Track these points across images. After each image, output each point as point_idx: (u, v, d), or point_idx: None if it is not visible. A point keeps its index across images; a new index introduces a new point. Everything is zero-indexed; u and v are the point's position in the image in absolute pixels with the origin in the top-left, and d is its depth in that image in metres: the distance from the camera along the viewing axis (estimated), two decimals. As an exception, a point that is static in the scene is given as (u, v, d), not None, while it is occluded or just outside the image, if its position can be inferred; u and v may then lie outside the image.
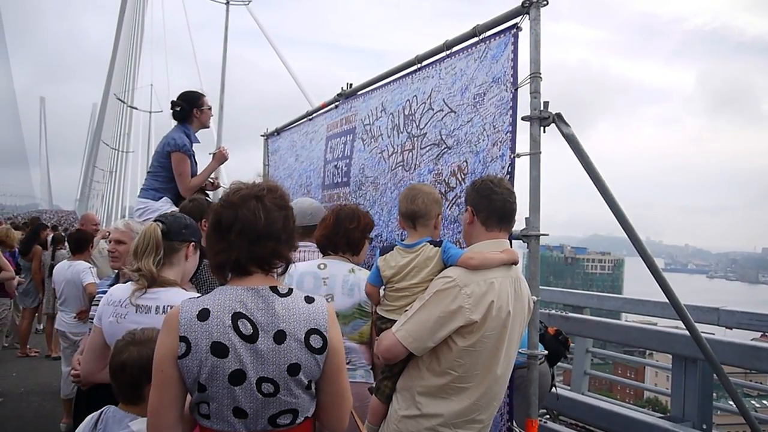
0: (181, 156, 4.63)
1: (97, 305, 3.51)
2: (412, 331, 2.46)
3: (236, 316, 1.75)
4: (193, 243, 2.85)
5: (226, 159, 5.10)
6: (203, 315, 1.75)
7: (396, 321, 2.57)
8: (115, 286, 2.85)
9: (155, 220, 2.81)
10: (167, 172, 4.69)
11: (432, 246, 2.62)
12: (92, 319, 3.51)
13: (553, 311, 5.56)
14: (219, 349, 1.72)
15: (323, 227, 3.35)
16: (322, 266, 3.23)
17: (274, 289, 1.83)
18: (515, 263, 2.60)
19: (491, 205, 2.62)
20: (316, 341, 1.80)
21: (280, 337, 1.76)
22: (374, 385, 2.78)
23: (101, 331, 2.69)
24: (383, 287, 2.77)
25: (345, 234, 3.28)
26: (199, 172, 4.91)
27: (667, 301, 3.46)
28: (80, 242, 6.40)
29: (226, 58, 22.63)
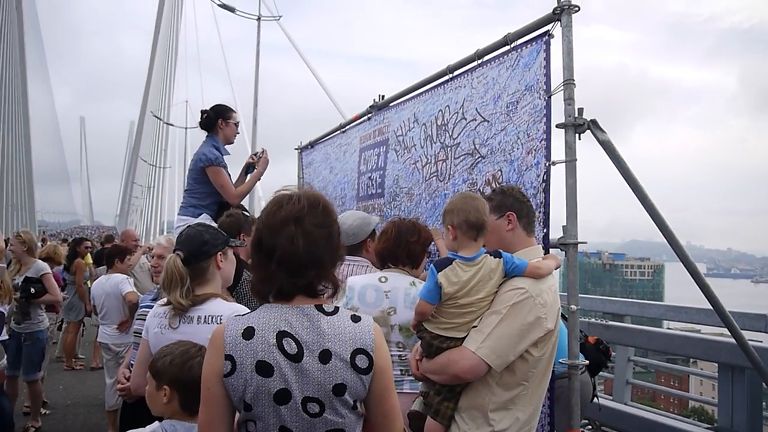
0: (216, 169, 4.68)
1: (141, 319, 3.59)
2: (495, 347, 2.36)
3: (281, 335, 1.72)
4: (219, 252, 2.81)
5: (268, 163, 5.12)
6: (248, 333, 1.72)
7: (454, 338, 2.46)
8: (161, 300, 2.87)
9: (175, 250, 2.79)
10: (203, 187, 4.74)
11: (492, 257, 2.49)
12: (136, 332, 3.58)
13: (593, 320, 5.47)
14: (264, 368, 1.69)
15: (384, 240, 3.31)
16: (383, 279, 3.19)
17: (319, 308, 1.78)
18: (558, 268, 2.63)
19: (531, 212, 2.62)
20: (362, 361, 1.74)
21: (325, 356, 1.72)
22: (429, 408, 2.57)
23: (148, 344, 2.73)
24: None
25: (406, 247, 3.23)
26: (236, 179, 4.98)
27: (711, 307, 3.38)
28: (113, 256, 6.49)
29: (259, 73, 22.99)
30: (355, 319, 1.80)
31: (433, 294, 2.49)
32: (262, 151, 5.15)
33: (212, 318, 2.61)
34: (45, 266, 6.41)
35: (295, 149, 7.42)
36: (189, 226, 3.00)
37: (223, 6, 24.73)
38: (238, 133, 5.13)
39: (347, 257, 3.62)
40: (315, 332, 1.73)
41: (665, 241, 3.29)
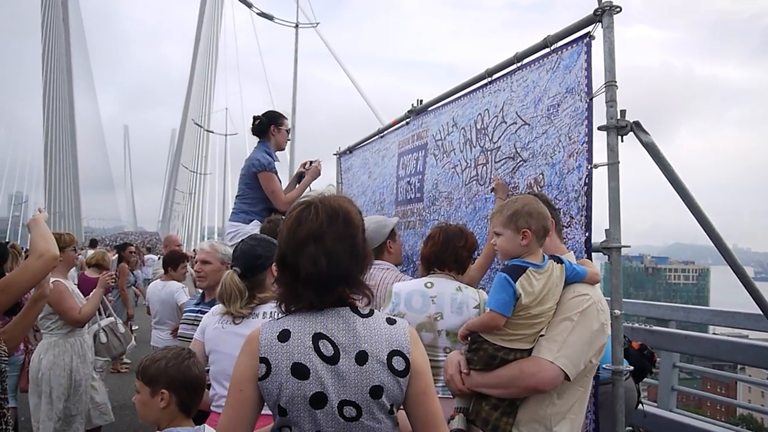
0: (268, 175, 4.72)
1: (185, 323, 3.67)
2: (571, 356, 2.30)
3: (317, 337, 1.70)
4: (273, 262, 2.88)
5: (319, 173, 5.16)
6: (284, 336, 1.71)
7: (521, 350, 2.36)
8: (216, 306, 2.99)
9: (231, 266, 2.94)
10: (255, 192, 4.78)
11: (555, 263, 2.41)
12: (181, 336, 3.66)
13: (636, 324, 5.37)
14: (299, 371, 1.67)
15: (431, 244, 3.30)
16: (428, 285, 3.18)
17: (354, 310, 1.77)
18: None
19: (558, 216, 2.61)
20: (398, 363, 1.71)
21: (361, 358, 1.69)
22: (486, 425, 2.42)
23: (203, 345, 2.87)
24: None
25: (453, 252, 3.23)
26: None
27: (760, 312, 3.29)
28: (173, 262, 6.57)
29: (297, 80, 23.24)
30: (391, 321, 1.78)
31: (508, 306, 2.34)
32: (313, 162, 5.21)
33: (273, 314, 2.71)
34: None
35: (334, 155, 7.48)
36: (242, 241, 3.09)
37: (262, 14, 25.09)
38: (289, 139, 5.18)
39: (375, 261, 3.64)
40: (351, 334, 1.71)
41: (710, 243, 3.21)
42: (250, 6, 25.26)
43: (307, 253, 1.69)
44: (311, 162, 5.20)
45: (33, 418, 4.69)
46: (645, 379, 7.07)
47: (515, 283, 2.31)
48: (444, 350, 3.05)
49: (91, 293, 5.04)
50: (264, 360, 1.70)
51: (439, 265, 3.26)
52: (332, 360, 1.69)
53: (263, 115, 4.92)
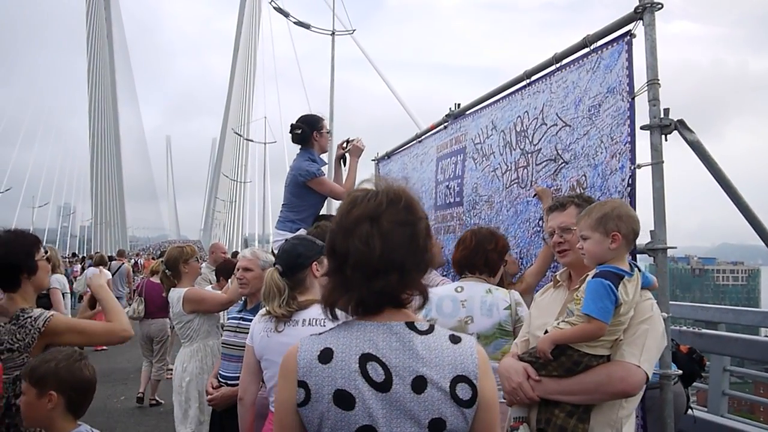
0: (319, 180, 4.71)
1: (227, 330, 3.73)
2: (651, 360, 2.31)
3: (365, 358, 1.45)
4: (314, 261, 2.93)
5: (362, 150, 5.07)
6: (325, 356, 1.47)
7: (602, 356, 2.29)
8: (263, 310, 3.02)
9: (274, 264, 2.98)
10: (301, 200, 4.78)
11: (636, 270, 2.36)
12: (224, 344, 3.72)
13: (684, 327, 5.24)
14: (344, 399, 1.43)
15: (462, 248, 3.34)
16: (459, 289, 3.23)
17: (411, 325, 1.49)
18: None
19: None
20: (464, 392, 1.45)
21: (419, 384, 1.43)
22: (563, 431, 2.31)
23: (253, 350, 2.90)
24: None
25: (484, 255, 3.26)
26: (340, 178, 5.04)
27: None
28: (226, 272, 6.57)
29: (334, 86, 23.43)
30: (455, 339, 1.51)
31: (610, 313, 2.25)
32: (352, 140, 5.05)
33: (316, 321, 2.72)
34: (55, 280, 6.77)
35: (372, 160, 7.50)
36: (286, 240, 3.16)
37: (299, 23, 25.37)
38: (330, 140, 5.15)
39: None
40: (407, 354, 1.45)
41: (761, 243, 3.12)
42: (287, 15, 25.57)
43: (359, 233, 1.47)
44: (348, 141, 5.10)
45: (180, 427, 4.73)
46: (694, 384, 6.90)
47: (617, 290, 2.24)
48: None
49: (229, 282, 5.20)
50: (302, 384, 1.47)
51: (470, 268, 3.29)
52: (383, 387, 1.44)
53: (301, 122, 4.87)
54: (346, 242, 1.49)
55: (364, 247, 1.46)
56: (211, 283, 6.83)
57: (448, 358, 1.46)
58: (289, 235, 4.56)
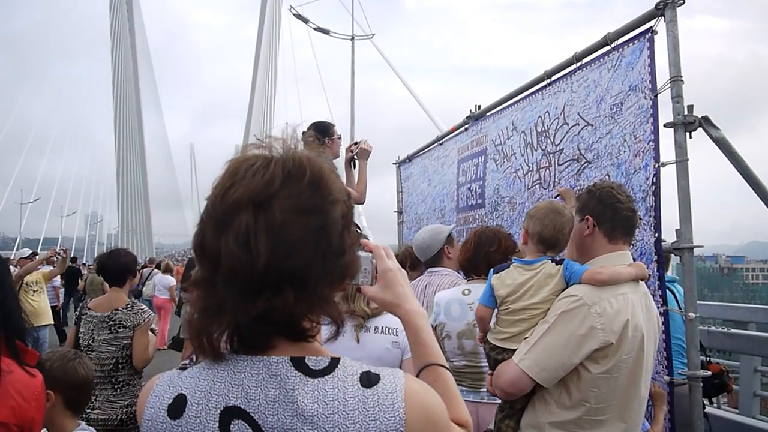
0: None
1: None
2: (539, 359, 2.17)
3: (229, 414, 0.98)
4: None
5: (370, 151, 5.06)
6: (176, 408, 1.01)
7: (511, 350, 2.31)
8: None
9: None
10: None
11: (553, 263, 2.35)
12: None
13: (713, 327, 5.14)
14: None
15: (465, 251, 3.31)
16: (466, 292, 3.20)
17: (299, 364, 0.99)
18: (644, 279, 2.34)
19: (617, 215, 2.34)
20: None
21: None
22: (498, 428, 2.41)
23: None
24: (496, 311, 2.50)
25: (485, 257, 3.18)
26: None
27: None
28: None
29: (355, 91, 23.51)
30: (370, 380, 1.00)
31: (487, 296, 2.44)
32: (359, 143, 5.07)
33: (389, 329, 2.66)
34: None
35: (393, 164, 7.51)
36: None
37: (319, 29, 25.51)
38: (341, 144, 5.16)
39: (430, 268, 3.64)
40: (287, 409, 0.96)
41: None
42: (306, 22, 25.73)
43: (236, 226, 0.96)
44: (356, 143, 5.11)
45: None
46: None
47: (493, 275, 2.43)
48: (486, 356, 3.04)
49: None
50: None
51: (474, 271, 3.26)
52: None
53: (313, 129, 4.93)
54: (218, 241, 0.98)
55: (241, 249, 0.95)
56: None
57: (352, 415, 0.96)
58: None
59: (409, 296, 1.24)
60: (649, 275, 3.07)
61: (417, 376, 1.14)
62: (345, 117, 24.49)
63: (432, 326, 3.18)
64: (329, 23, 26.63)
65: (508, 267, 2.45)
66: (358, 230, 3.72)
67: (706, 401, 3.74)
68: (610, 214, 2.35)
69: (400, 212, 7.34)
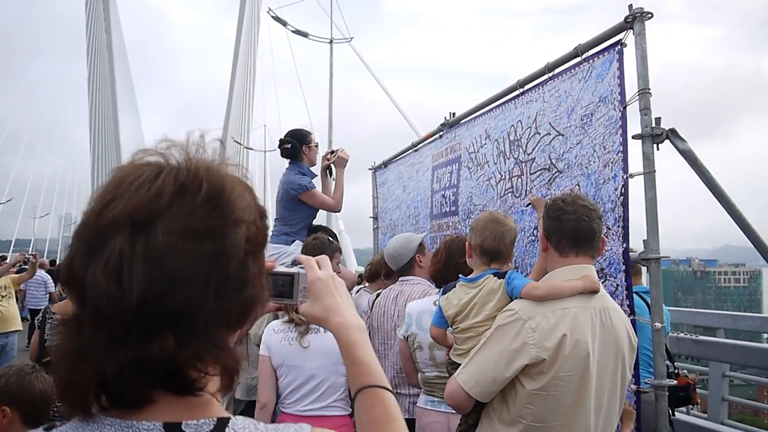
0: (311, 193, 4.76)
1: None
2: (474, 373, 2.16)
3: None
4: None
5: (347, 160, 5.09)
6: None
7: (457, 364, 2.33)
8: (273, 322, 3.30)
9: None
10: (294, 214, 4.82)
11: (496, 278, 2.36)
12: None
13: (682, 334, 5.21)
14: None
15: (435, 262, 3.30)
16: (437, 302, 3.19)
17: (171, 428, 0.79)
18: (595, 291, 2.22)
19: (562, 227, 2.29)
20: None
21: None
22: None
23: (269, 360, 3.14)
24: (450, 329, 2.50)
25: (456, 268, 3.09)
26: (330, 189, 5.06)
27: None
28: None
29: (333, 94, 23.44)
30: None
31: (437, 317, 2.48)
32: (336, 151, 5.10)
33: None
34: None
35: (369, 169, 7.50)
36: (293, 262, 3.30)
37: (297, 32, 25.40)
38: (318, 152, 5.18)
39: (401, 277, 3.65)
40: None
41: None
42: (284, 24, 25.60)
43: (107, 252, 0.76)
44: (333, 152, 5.15)
45: None
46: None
47: (441, 297, 2.47)
48: None
49: None
50: None
51: (446, 282, 3.21)
52: None
53: (290, 136, 4.94)
54: (86, 270, 0.77)
55: (110, 282, 0.76)
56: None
57: None
58: (286, 248, 4.58)
59: (341, 307, 1.12)
60: (618, 285, 3.13)
61: (353, 401, 1.07)
62: (325, 120, 24.37)
63: (403, 337, 3.19)
64: (309, 25, 26.56)
65: (453, 285, 2.48)
66: (330, 239, 3.77)
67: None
68: (556, 227, 2.31)
69: (375, 218, 7.33)
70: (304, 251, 3.89)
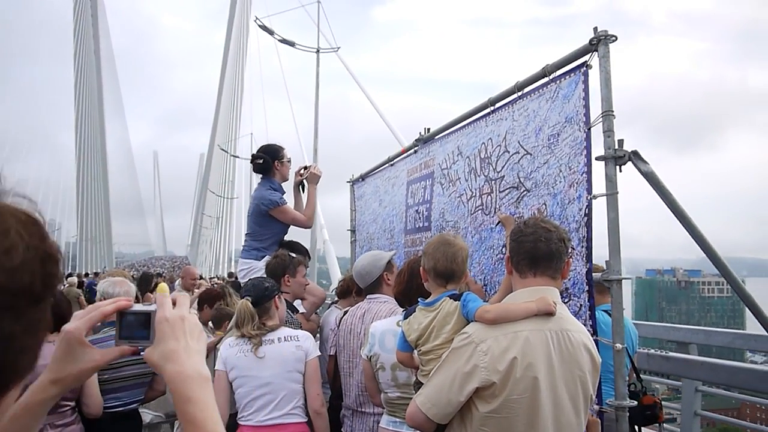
0: (282, 209, 4.75)
1: None
2: (430, 395, 2.19)
3: None
4: (276, 296, 3.50)
5: (319, 176, 5.11)
6: None
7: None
8: (228, 338, 3.46)
9: (243, 296, 3.42)
10: (265, 230, 4.80)
11: (452, 300, 2.38)
12: None
13: (653, 350, 5.24)
14: None
15: (398, 283, 3.27)
16: (400, 323, 3.17)
17: None
18: (549, 314, 2.20)
19: (520, 248, 2.31)
20: None
21: None
22: None
23: (226, 374, 3.30)
24: (416, 351, 2.51)
25: (418, 289, 3.03)
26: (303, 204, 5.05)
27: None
28: (210, 300, 6.35)
29: (319, 104, 23.47)
30: None
31: (402, 342, 2.50)
32: (308, 167, 5.14)
33: (290, 337, 3.36)
34: None
35: (347, 182, 7.51)
36: (255, 278, 3.71)
37: (284, 41, 25.46)
38: (290, 167, 5.17)
39: (369, 295, 3.65)
40: None
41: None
42: (271, 33, 25.66)
43: None
44: (306, 167, 5.17)
45: None
46: (669, 404, 6.90)
47: (403, 321, 2.50)
48: None
49: None
50: None
51: (409, 302, 3.17)
52: None
53: (262, 152, 4.94)
54: None
55: None
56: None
57: None
58: (255, 263, 4.57)
59: (180, 354, 0.99)
60: (581, 305, 3.15)
61: None
62: (312, 128, 24.35)
63: (366, 357, 3.18)
64: (298, 33, 26.63)
65: (414, 310, 2.50)
66: (291, 255, 3.78)
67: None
68: (515, 248, 2.34)
69: (353, 231, 7.33)
70: (267, 270, 3.89)
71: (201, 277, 14.92)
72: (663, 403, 3.82)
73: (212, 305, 6.16)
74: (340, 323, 3.77)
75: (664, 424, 3.85)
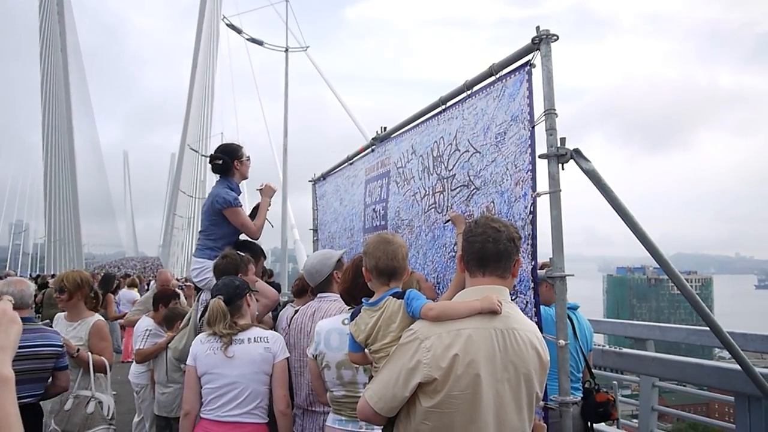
0: (234, 210, 4.67)
1: None
2: (378, 390, 2.25)
3: None
4: (247, 294, 3.56)
5: (274, 191, 5.09)
6: None
7: None
8: (200, 335, 3.54)
9: (215, 295, 3.49)
10: (218, 228, 4.72)
11: (395, 299, 2.38)
12: None
13: (606, 347, 5.31)
14: None
15: (343, 281, 3.27)
16: (345, 322, 3.11)
17: None
18: (493, 312, 2.20)
19: (470, 248, 2.34)
20: None
21: None
22: None
23: (195, 369, 3.38)
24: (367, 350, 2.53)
25: (362, 288, 2.98)
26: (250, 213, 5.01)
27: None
28: (165, 299, 6.33)
29: (288, 102, 23.36)
30: None
31: (352, 343, 2.49)
32: (263, 186, 5.14)
33: (260, 338, 3.40)
34: None
35: (309, 181, 7.48)
36: (225, 277, 3.68)
37: (252, 40, 25.27)
38: (249, 167, 5.11)
39: (320, 294, 3.64)
40: None
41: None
42: (239, 32, 25.46)
43: None
44: (263, 185, 5.16)
45: None
46: (627, 399, 7.01)
47: (350, 322, 2.50)
48: (364, 386, 3.03)
49: None
50: None
51: (354, 301, 3.17)
52: None
53: (220, 152, 4.86)
54: None
55: None
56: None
57: None
58: (209, 263, 4.50)
59: None
60: (527, 302, 3.17)
61: None
62: (281, 126, 24.22)
63: (312, 356, 3.17)
64: (268, 33, 26.41)
65: (359, 310, 2.48)
66: (241, 255, 3.75)
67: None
68: (466, 248, 2.37)
69: (315, 230, 7.31)
70: (216, 271, 3.86)
71: (177, 279, 14.88)
72: (629, 399, 3.87)
73: (167, 305, 6.14)
74: (291, 322, 3.75)
75: (624, 420, 3.90)
